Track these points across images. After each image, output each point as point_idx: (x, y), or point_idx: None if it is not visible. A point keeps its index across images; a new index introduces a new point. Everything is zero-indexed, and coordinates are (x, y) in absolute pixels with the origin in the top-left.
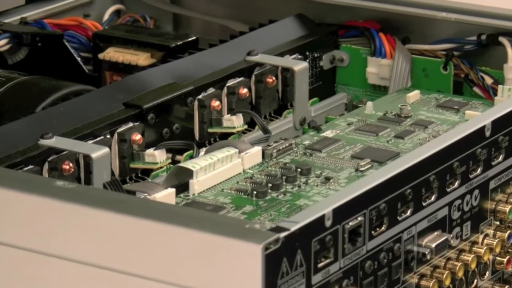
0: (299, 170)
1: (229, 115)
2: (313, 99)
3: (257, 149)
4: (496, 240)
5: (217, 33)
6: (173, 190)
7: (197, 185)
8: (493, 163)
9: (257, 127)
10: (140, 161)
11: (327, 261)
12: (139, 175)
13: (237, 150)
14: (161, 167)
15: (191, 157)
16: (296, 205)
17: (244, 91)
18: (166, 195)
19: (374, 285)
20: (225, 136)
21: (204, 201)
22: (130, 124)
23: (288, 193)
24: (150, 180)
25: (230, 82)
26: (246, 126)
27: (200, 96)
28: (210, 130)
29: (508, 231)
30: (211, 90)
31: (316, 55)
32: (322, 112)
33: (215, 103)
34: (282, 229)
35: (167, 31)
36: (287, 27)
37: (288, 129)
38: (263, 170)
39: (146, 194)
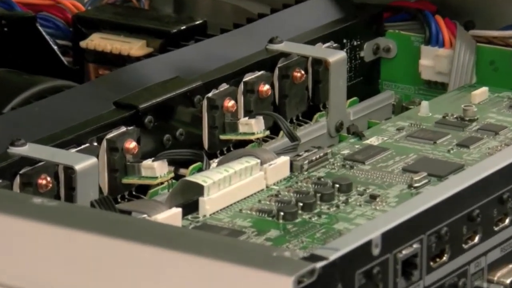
0: (337, 186)
1: (246, 118)
2: (352, 99)
3: (284, 159)
4: None
5: (230, 16)
6: (178, 210)
7: (209, 204)
8: None
9: (281, 133)
10: (136, 175)
11: None
12: (134, 193)
13: (258, 161)
14: (162, 183)
15: (199, 170)
16: (334, 230)
17: (265, 88)
18: (171, 216)
19: None
20: (241, 144)
21: (218, 224)
22: (123, 129)
23: (323, 215)
24: (148, 199)
25: (248, 77)
26: (267, 132)
27: (210, 94)
28: (222, 137)
29: None
30: (223, 86)
31: (355, 43)
32: (363, 115)
33: (229, 103)
34: (319, 258)
35: (166, 13)
36: (318, 8)
37: (321, 136)
38: (292, 186)
39: (145, 215)
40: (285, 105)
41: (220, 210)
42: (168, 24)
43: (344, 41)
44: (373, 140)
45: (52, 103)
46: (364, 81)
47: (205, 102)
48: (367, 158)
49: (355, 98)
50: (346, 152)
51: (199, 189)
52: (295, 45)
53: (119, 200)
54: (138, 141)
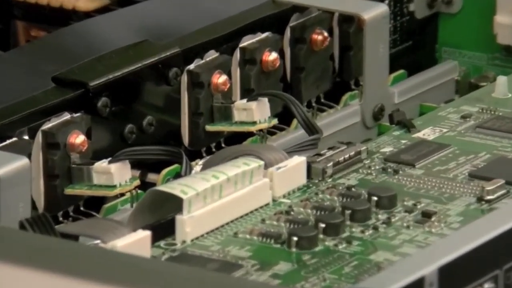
0: (374, 199)
1: (244, 101)
2: (398, 73)
3: (299, 161)
4: None
5: None
6: (146, 233)
7: (190, 226)
8: None
9: (294, 122)
10: (84, 183)
11: None
12: (82, 208)
13: (262, 163)
14: (123, 194)
15: (176, 175)
16: (370, 262)
17: (271, 57)
18: (135, 242)
19: None
20: (236, 139)
21: (203, 254)
22: (66, 116)
23: (355, 241)
24: (103, 218)
25: (247, 41)
26: (275, 121)
27: (191, 66)
28: (210, 128)
29: None
30: (211, 55)
31: None
32: (413, 97)
33: (220, 79)
34: None
35: None
36: None
37: (352, 127)
38: (310, 200)
39: (98, 241)
40: (301, 82)
41: (207, 233)
42: None
43: None
44: (427, 133)
45: None
46: (415, 47)
47: (184, 78)
48: (419, 158)
49: (401, 71)
50: (388, 150)
51: (176, 204)
52: None
53: (61, 219)
54: (88, 134)
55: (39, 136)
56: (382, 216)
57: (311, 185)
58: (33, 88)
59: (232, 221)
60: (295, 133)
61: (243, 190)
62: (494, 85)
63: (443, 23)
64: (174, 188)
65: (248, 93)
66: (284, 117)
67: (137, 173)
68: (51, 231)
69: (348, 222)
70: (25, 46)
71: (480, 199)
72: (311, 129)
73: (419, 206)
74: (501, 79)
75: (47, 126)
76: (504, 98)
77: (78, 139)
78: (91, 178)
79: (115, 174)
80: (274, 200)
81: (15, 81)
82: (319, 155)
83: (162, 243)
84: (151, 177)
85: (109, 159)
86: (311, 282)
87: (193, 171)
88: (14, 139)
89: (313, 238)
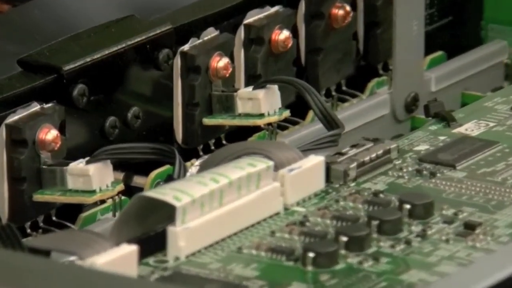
0: (407, 207)
1: (249, 90)
2: (435, 55)
3: (315, 161)
4: None
5: None
6: (132, 248)
7: (184, 239)
8: None
9: (311, 114)
10: (57, 187)
11: None
12: (54, 218)
13: (271, 164)
14: (103, 201)
15: (168, 178)
16: (401, 283)
17: (282, 36)
18: (119, 258)
19: None
20: (240, 135)
21: (200, 273)
22: (35, 107)
23: (383, 257)
24: (79, 229)
25: (252, 17)
26: (287, 113)
27: (186, 47)
28: (208, 121)
29: None
30: (210, 33)
31: None
32: (453, 83)
33: (220, 63)
34: None
35: None
36: None
37: (380, 120)
38: (328, 208)
39: (74, 258)
40: (318, 66)
41: (205, 248)
42: None
43: None
44: (471, 128)
45: None
46: (456, 23)
47: (177, 61)
48: (460, 159)
49: (440, 53)
50: (423, 148)
51: (168, 213)
52: None
53: (29, 230)
54: (61, 129)
55: (2, 131)
56: (416, 228)
57: (330, 191)
58: None
59: (235, 234)
60: (311, 128)
61: (249, 196)
62: None
63: None
64: (166, 194)
65: (254, 80)
66: (297, 109)
67: (121, 175)
68: (17, 245)
69: (375, 235)
70: None
71: None
72: (330, 122)
73: (460, 216)
74: None
75: (12, 119)
76: None
77: (50, 134)
78: (65, 181)
79: (94, 176)
80: (286, 209)
81: None
82: (340, 154)
83: (151, 260)
84: (138, 180)
85: (87, 158)
86: None
87: (188, 174)
88: None
89: (332, 254)
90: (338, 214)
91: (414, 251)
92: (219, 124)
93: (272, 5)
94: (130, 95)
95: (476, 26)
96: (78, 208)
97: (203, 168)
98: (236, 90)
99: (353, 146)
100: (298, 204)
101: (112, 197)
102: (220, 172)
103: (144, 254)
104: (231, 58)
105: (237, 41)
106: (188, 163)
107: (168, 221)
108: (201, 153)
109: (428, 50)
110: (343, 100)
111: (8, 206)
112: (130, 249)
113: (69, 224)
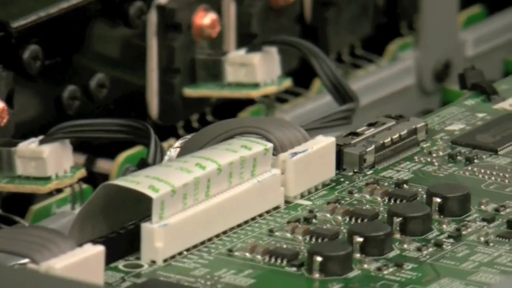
0: (437, 201)
1: (242, 53)
2: (473, 10)
3: (324, 143)
4: None
5: None
6: (98, 249)
7: (162, 238)
8: None
9: (317, 84)
10: (3, 173)
11: None
12: (0, 211)
13: (269, 146)
14: (60, 190)
15: (141, 162)
16: None
17: None
18: (81, 262)
19: None
20: (231, 108)
21: (181, 280)
22: None
23: (408, 262)
24: (31, 225)
25: None
26: (289, 83)
27: (163, 0)
28: (190, 91)
29: None
30: None
31: None
32: (495, 47)
33: (205, 19)
34: None
35: None
36: None
37: (405, 92)
38: (340, 202)
39: (25, 261)
40: (327, 24)
41: (187, 250)
42: None
43: None
44: None
45: None
46: None
47: (152, 16)
48: (503, 141)
49: (479, 8)
50: (457, 128)
51: (141, 206)
52: None
53: None
54: (8, 100)
55: None
56: (449, 227)
57: (342, 180)
58: None
59: (225, 233)
60: (318, 101)
61: (242, 186)
62: None
63: None
64: (139, 182)
65: (248, 41)
66: (301, 77)
67: (82, 159)
68: None
69: (397, 236)
70: None
71: None
72: (342, 94)
73: (503, 213)
74: None
75: None
76: None
77: None
78: (13, 166)
79: (49, 160)
80: (287, 202)
81: None
82: (355, 134)
83: (121, 264)
84: (103, 165)
85: (40, 137)
86: None
87: (165, 157)
88: None
89: (345, 258)
90: (352, 209)
91: (445, 255)
92: (203, 95)
93: None
94: (93, 58)
95: None
96: (29, 199)
97: (184, 150)
98: (224, 54)
99: (371, 124)
100: (302, 196)
101: (71, 186)
102: (206, 156)
103: (112, 256)
104: (219, 14)
105: None
106: (165, 144)
107: (142, 217)
108: (181, 131)
109: (464, 4)
110: (358, 66)
111: None
112: (95, 251)
113: (18, 219)
